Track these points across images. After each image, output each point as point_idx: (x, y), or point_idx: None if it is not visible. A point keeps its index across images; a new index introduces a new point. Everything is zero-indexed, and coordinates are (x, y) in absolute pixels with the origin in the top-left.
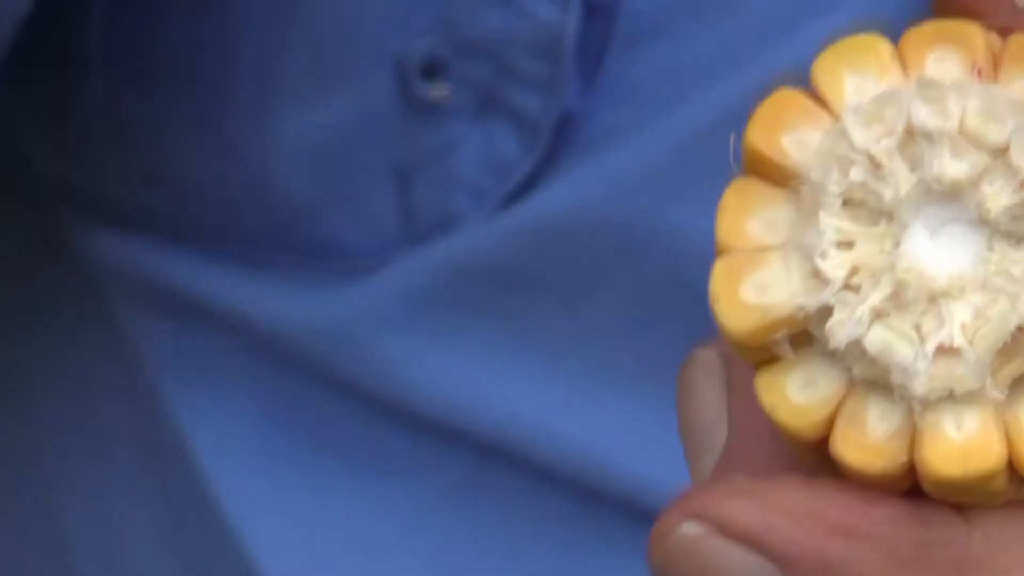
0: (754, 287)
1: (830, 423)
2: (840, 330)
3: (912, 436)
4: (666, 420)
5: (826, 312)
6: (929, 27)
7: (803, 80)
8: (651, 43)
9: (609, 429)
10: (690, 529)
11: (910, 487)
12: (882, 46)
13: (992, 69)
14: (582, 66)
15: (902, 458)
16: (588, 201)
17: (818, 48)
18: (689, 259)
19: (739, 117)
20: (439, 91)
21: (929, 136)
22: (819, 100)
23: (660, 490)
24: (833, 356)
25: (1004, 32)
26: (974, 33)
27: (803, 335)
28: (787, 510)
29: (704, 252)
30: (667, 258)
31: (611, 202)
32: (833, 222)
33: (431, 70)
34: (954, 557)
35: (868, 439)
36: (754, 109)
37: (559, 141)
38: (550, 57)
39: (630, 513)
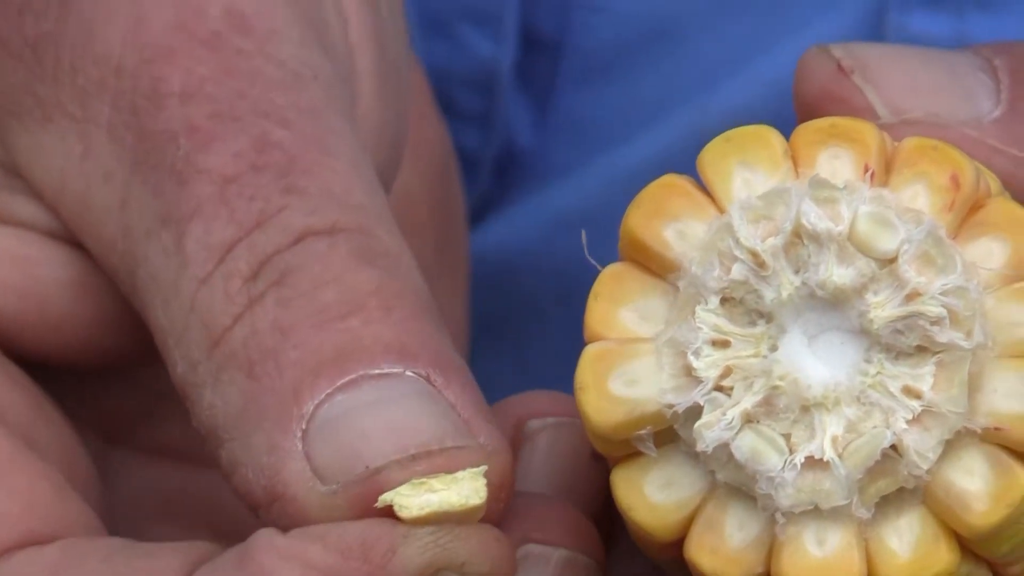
0: (623, 380)
1: (687, 526)
2: (708, 433)
3: (771, 548)
4: None
5: (695, 412)
6: (823, 123)
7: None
8: (603, 81)
9: None
10: None
11: None
12: (775, 139)
13: (884, 171)
14: (530, 102)
15: (758, 569)
16: (526, 239)
17: (763, 86)
18: None
19: (677, 157)
20: None
21: (817, 239)
22: (705, 191)
23: None
24: (697, 457)
25: (892, 134)
26: (868, 133)
27: (668, 432)
28: None
29: None
30: None
31: (548, 241)
32: (710, 319)
33: None
34: None
35: (724, 547)
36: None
37: (508, 178)
38: (487, 91)
39: None
